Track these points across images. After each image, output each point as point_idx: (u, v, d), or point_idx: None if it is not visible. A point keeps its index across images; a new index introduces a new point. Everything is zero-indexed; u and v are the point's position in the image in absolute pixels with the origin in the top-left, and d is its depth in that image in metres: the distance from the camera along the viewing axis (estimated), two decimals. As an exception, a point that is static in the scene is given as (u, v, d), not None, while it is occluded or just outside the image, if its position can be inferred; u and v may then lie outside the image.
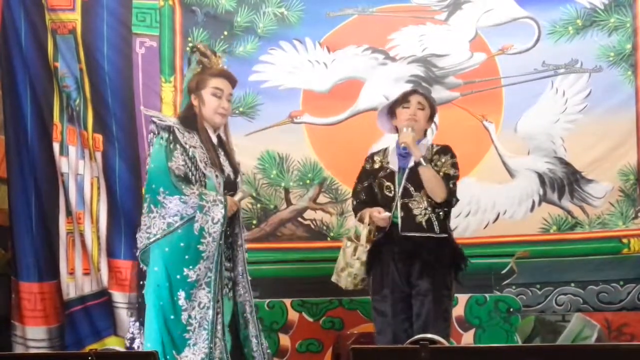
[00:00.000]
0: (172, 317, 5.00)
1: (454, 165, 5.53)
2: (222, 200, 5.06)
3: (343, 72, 6.79)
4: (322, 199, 6.78)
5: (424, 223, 5.41)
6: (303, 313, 6.30)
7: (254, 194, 6.72)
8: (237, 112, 6.75)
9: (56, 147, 6.74)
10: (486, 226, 6.67)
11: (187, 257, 5.01)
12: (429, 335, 4.91)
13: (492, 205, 6.67)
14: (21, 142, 6.71)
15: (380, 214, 5.44)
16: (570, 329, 6.54)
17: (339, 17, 6.80)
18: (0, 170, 6.78)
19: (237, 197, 5.18)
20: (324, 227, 6.78)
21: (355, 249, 5.50)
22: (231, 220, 5.18)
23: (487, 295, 6.34)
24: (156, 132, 5.18)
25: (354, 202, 5.69)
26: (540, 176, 6.70)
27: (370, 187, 5.61)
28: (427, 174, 5.41)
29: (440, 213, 5.44)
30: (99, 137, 6.74)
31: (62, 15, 6.71)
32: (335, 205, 6.78)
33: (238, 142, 6.61)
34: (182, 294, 4.99)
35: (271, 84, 6.81)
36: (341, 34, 6.81)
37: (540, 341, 6.47)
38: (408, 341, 4.93)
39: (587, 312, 6.57)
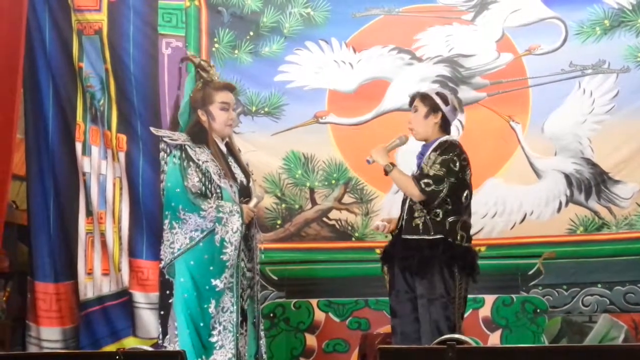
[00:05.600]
0: (201, 324, 5.13)
1: (443, 163, 5.29)
2: (238, 210, 5.17)
3: (369, 72, 6.79)
4: (347, 199, 6.78)
5: (420, 225, 5.31)
6: (329, 313, 6.29)
7: (279, 194, 6.72)
8: (262, 112, 6.77)
9: (79, 147, 6.76)
10: (513, 227, 6.64)
11: (212, 268, 5.15)
12: (456, 336, 4.90)
13: (518, 206, 6.64)
14: (41, 142, 6.73)
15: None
16: (597, 330, 6.51)
17: (364, 18, 6.80)
18: (20, 170, 6.81)
19: (251, 204, 5.28)
20: (349, 227, 6.77)
21: None
22: (248, 224, 5.27)
23: (514, 296, 6.32)
24: (168, 152, 5.31)
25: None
26: (567, 177, 6.67)
27: None
28: (394, 178, 5.40)
29: (439, 214, 5.32)
30: (123, 138, 6.76)
31: (88, 15, 6.73)
32: (360, 205, 6.78)
33: (263, 142, 6.72)
34: (212, 303, 5.13)
35: (297, 84, 6.81)
36: (367, 34, 6.81)
37: (567, 342, 6.44)
38: (435, 341, 4.92)
39: (614, 313, 6.53)
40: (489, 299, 6.19)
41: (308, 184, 6.77)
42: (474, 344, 4.94)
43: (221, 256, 5.15)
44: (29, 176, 6.75)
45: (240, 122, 6.77)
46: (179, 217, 5.18)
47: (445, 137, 5.42)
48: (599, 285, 6.57)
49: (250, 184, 5.36)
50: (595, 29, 6.69)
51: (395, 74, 6.78)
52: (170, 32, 6.80)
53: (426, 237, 5.30)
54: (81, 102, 6.81)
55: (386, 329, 6.21)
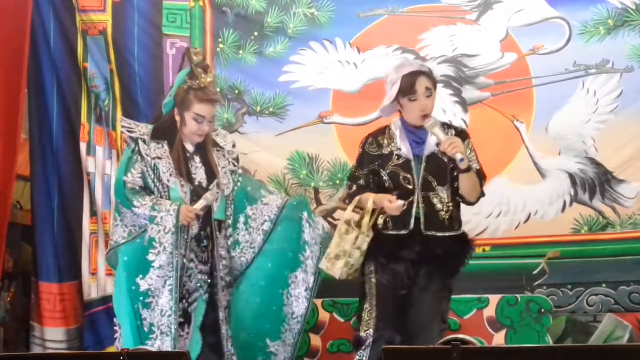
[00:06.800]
0: (137, 323, 5.15)
1: (471, 152, 5.26)
2: (175, 209, 5.14)
3: (373, 72, 6.78)
4: (351, 199, 6.78)
5: (446, 221, 5.19)
6: (334, 313, 6.29)
7: (284, 194, 6.73)
8: (267, 112, 6.78)
9: (83, 147, 6.76)
10: (517, 226, 6.64)
11: (139, 266, 5.16)
12: (461, 336, 4.91)
13: (523, 206, 6.64)
14: (45, 142, 6.73)
15: (393, 202, 5.09)
16: (601, 329, 6.50)
17: (369, 18, 6.80)
18: (24, 170, 6.81)
19: (197, 205, 5.22)
20: (354, 227, 6.76)
21: (357, 237, 5.17)
22: (204, 225, 5.26)
23: (518, 295, 6.31)
24: (127, 143, 5.34)
25: (352, 187, 5.31)
26: (571, 176, 6.67)
27: (376, 172, 5.26)
28: (472, 180, 5.15)
29: (460, 206, 5.26)
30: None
31: (92, 16, 6.74)
32: (365, 205, 6.77)
33: (268, 142, 6.72)
34: (139, 303, 5.14)
35: (301, 84, 6.81)
36: (371, 34, 6.81)
37: (571, 342, 6.44)
38: (439, 341, 4.92)
39: (618, 313, 6.54)
40: (494, 298, 6.19)
41: (312, 184, 6.78)
42: (478, 344, 4.96)
43: (147, 256, 5.14)
44: (33, 176, 6.76)
45: (245, 122, 6.78)
46: (119, 210, 5.23)
47: (448, 121, 5.38)
48: (604, 285, 6.57)
49: (211, 186, 5.32)
50: (599, 28, 6.69)
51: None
52: (175, 32, 6.81)
53: (453, 233, 5.23)
54: (86, 102, 6.81)
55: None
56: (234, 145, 5.63)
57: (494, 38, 6.75)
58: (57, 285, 6.66)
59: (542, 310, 6.29)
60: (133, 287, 5.14)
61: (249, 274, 5.49)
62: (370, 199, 5.17)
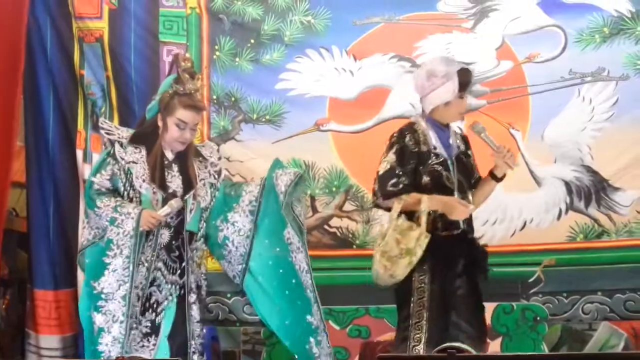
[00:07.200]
0: (89, 329, 5.08)
1: None
2: (137, 213, 5.05)
3: (369, 80, 6.79)
4: (348, 206, 6.78)
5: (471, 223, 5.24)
6: (330, 321, 6.27)
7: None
8: (263, 120, 6.78)
9: (79, 154, 6.75)
10: (513, 234, 6.65)
11: (96, 269, 5.08)
12: (457, 344, 4.91)
13: (518, 214, 6.65)
14: (41, 149, 6.72)
15: (466, 207, 5.03)
16: (597, 337, 6.53)
17: (365, 26, 6.80)
18: (20, 177, 6.81)
19: (160, 211, 5.13)
20: (350, 235, 6.77)
21: (420, 235, 4.93)
22: (176, 235, 5.20)
23: (514, 303, 6.32)
24: (105, 145, 5.29)
25: (399, 186, 5.03)
26: (567, 184, 6.68)
27: (415, 171, 5.09)
28: (491, 190, 5.22)
29: None
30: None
31: (89, 23, 6.73)
32: (361, 213, 6.77)
33: (264, 150, 6.72)
34: (92, 307, 5.06)
35: (297, 92, 6.81)
36: (367, 42, 6.81)
37: (567, 350, 6.47)
38: (435, 349, 4.93)
39: (614, 321, 6.55)
40: (489, 306, 6.18)
41: (309, 192, 6.77)
42: (474, 352, 4.96)
43: (103, 258, 5.06)
44: (29, 183, 6.75)
45: (241, 130, 6.78)
46: (86, 211, 5.20)
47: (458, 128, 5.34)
48: (599, 293, 6.57)
49: (187, 196, 5.23)
50: (594, 36, 6.71)
51: (396, 82, 6.78)
52: (172, 39, 6.81)
53: (474, 236, 5.27)
54: (82, 109, 6.80)
55: (387, 337, 6.23)
56: (219, 158, 5.54)
57: (490, 46, 6.77)
58: (52, 293, 6.64)
59: (538, 318, 6.31)
60: (89, 290, 5.07)
61: (253, 267, 5.36)
62: (424, 199, 4.98)
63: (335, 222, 6.77)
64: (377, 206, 5.26)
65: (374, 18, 6.81)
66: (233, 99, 6.78)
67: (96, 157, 6.70)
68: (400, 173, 5.07)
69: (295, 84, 6.82)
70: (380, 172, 5.13)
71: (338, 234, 6.76)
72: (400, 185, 5.04)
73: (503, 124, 6.70)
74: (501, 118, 6.69)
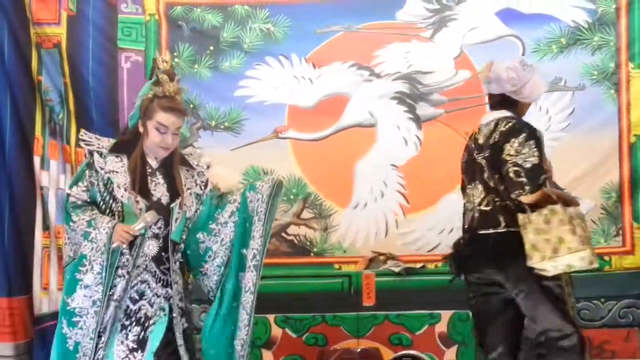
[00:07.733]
0: (60, 343, 4.89)
1: None
2: (111, 227, 4.83)
3: (328, 88, 6.82)
4: (306, 214, 6.79)
5: None
6: (286, 329, 6.27)
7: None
8: (222, 127, 6.78)
9: (37, 160, 6.68)
10: (470, 242, 6.67)
11: (70, 285, 4.90)
12: (412, 352, 4.94)
13: (476, 222, 6.67)
14: (-3, 155, 6.68)
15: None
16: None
17: (324, 34, 6.84)
18: (-25, 184, 6.75)
19: (135, 225, 4.85)
20: (308, 243, 6.78)
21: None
22: (164, 246, 4.98)
23: (469, 311, 6.34)
24: (85, 156, 5.04)
25: (545, 180, 4.99)
26: (524, 193, 6.71)
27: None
28: None
29: None
30: (82, 152, 6.70)
31: (47, 29, 6.69)
32: (319, 220, 6.79)
33: (223, 157, 6.71)
34: (64, 321, 4.89)
35: (257, 99, 6.83)
36: (327, 50, 6.84)
37: (522, 357, 6.47)
38: (391, 357, 4.95)
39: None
40: (445, 314, 6.21)
41: (269, 200, 6.76)
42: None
43: (76, 273, 4.86)
44: (-17, 190, 6.70)
45: (200, 137, 6.77)
46: (66, 228, 4.98)
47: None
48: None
49: (173, 204, 4.99)
50: (551, 47, 6.77)
51: (355, 90, 6.82)
52: (130, 46, 6.80)
53: None
54: (40, 115, 6.75)
55: (343, 344, 6.23)
56: (208, 167, 5.27)
57: (448, 55, 6.81)
58: (6, 300, 6.55)
59: (494, 326, 6.32)
60: (64, 306, 4.89)
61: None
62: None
63: (293, 229, 6.78)
64: (519, 202, 5.00)
65: (334, 27, 6.84)
66: (192, 105, 6.77)
67: (53, 164, 6.69)
68: (544, 167, 5.03)
69: (254, 91, 6.83)
70: (528, 166, 5.00)
71: (296, 241, 6.77)
72: (546, 181, 5.00)
73: (460, 133, 6.71)
74: (459, 127, 6.71)
